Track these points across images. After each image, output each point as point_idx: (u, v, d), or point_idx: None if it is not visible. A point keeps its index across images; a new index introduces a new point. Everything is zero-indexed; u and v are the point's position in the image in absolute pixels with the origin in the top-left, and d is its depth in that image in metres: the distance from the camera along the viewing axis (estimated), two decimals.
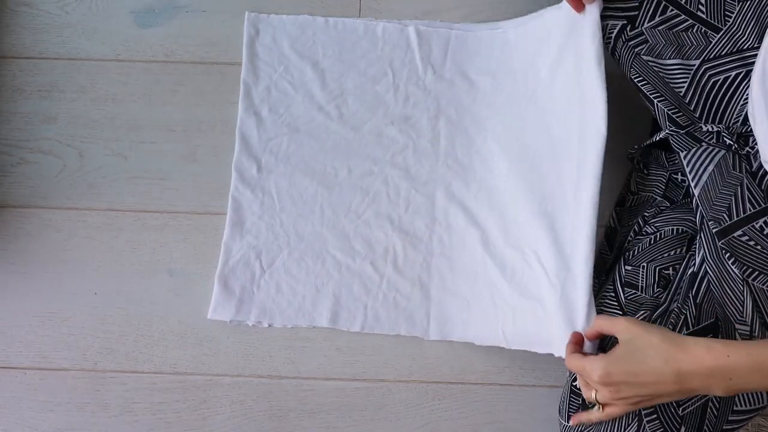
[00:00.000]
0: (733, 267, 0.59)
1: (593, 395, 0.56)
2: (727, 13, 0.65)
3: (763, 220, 0.61)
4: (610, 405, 0.55)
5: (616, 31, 0.70)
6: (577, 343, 0.61)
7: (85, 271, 0.78)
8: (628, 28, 0.69)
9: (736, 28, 0.65)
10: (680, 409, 0.58)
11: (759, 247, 0.60)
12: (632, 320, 0.55)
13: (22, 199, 0.79)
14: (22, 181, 0.80)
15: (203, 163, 0.81)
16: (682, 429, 0.58)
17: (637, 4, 0.69)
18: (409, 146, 0.81)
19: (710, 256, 0.62)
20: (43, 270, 0.78)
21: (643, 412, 0.59)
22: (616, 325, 0.56)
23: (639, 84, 0.70)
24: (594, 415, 0.57)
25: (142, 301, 0.77)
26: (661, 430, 0.58)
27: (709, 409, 0.59)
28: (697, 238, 0.66)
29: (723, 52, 0.65)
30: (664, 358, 0.50)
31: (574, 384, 0.67)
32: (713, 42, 0.65)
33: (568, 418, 0.66)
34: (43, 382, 0.75)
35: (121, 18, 0.84)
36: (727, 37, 0.65)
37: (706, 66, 0.66)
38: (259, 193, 0.80)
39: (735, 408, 0.59)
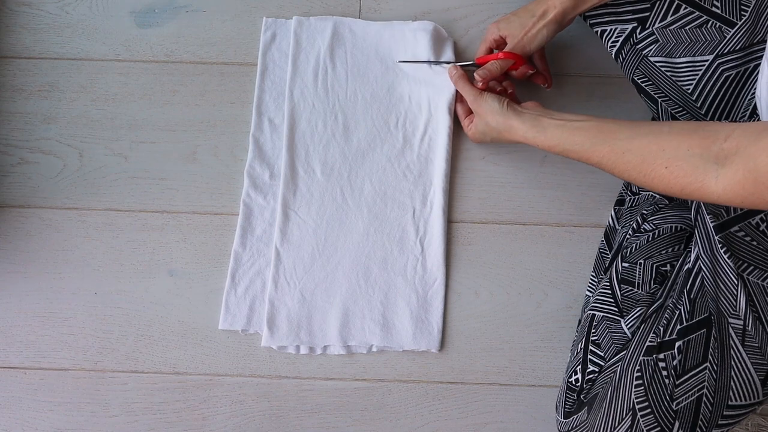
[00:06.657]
0: (729, 261, 0.60)
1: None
2: (742, 7, 0.66)
3: (759, 217, 0.61)
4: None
5: (624, 35, 0.71)
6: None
7: (85, 271, 0.78)
8: (637, 31, 0.70)
9: (753, 21, 0.65)
10: (674, 403, 0.59)
11: (755, 243, 0.61)
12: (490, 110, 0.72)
13: (22, 199, 0.79)
14: (22, 181, 0.80)
15: (203, 163, 0.81)
16: (676, 424, 0.58)
17: (649, 5, 0.69)
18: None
19: (704, 253, 0.62)
20: (43, 270, 0.78)
21: (637, 407, 0.59)
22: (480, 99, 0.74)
23: (643, 85, 0.71)
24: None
25: (142, 301, 0.77)
26: (655, 424, 0.59)
27: (703, 404, 0.59)
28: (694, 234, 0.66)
29: (738, 47, 0.66)
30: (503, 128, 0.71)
31: (571, 381, 0.68)
32: (728, 37, 0.66)
33: (564, 415, 0.67)
34: (43, 382, 0.75)
35: (121, 18, 0.84)
36: (742, 32, 0.65)
37: (720, 61, 0.66)
38: (271, 200, 0.79)
39: (730, 402, 0.59)
